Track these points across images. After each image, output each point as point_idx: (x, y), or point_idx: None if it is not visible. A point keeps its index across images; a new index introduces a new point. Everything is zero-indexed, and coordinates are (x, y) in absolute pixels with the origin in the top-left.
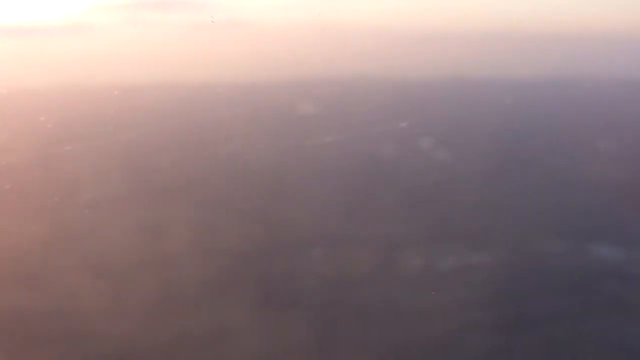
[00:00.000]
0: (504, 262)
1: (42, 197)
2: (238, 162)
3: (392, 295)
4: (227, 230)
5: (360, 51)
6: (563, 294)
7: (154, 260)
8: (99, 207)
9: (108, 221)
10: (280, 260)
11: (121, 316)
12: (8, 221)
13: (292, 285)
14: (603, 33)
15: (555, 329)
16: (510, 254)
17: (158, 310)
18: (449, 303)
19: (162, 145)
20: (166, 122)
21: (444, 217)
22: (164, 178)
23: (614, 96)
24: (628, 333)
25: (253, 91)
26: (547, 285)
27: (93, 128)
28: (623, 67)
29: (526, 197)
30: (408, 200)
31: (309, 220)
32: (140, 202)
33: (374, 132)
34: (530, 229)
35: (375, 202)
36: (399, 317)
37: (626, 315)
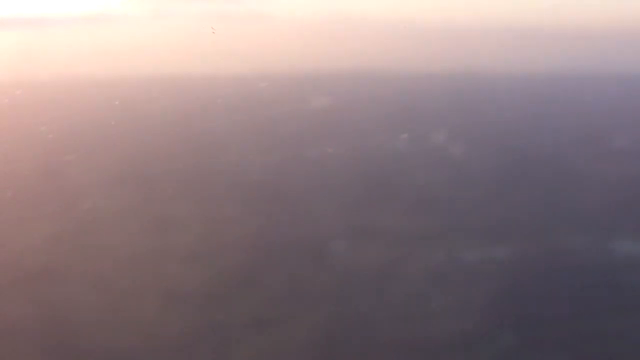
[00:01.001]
0: (526, 257)
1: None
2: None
3: (414, 289)
4: (240, 223)
5: (378, 45)
6: (588, 290)
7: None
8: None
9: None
10: (298, 255)
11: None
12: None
13: (310, 278)
14: (625, 28)
15: (584, 325)
16: (532, 249)
17: (172, 312)
18: (472, 297)
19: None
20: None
21: (461, 212)
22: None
23: (630, 92)
24: None
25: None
26: (572, 280)
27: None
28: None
29: (543, 193)
30: (423, 194)
31: (324, 213)
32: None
33: (386, 126)
34: (549, 224)
35: (391, 195)
36: (423, 311)
37: None
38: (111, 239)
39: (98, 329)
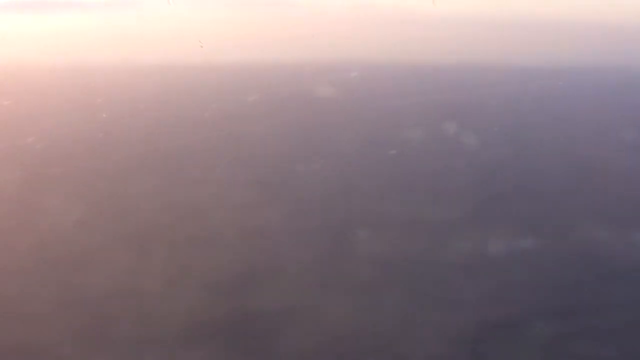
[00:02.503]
0: (552, 248)
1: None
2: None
3: (444, 278)
4: (264, 212)
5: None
6: (617, 281)
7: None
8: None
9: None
10: (326, 242)
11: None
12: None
13: (342, 267)
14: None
15: (618, 316)
16: (557, 240)
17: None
18: (503, 288)
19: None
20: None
21: (483, 201)
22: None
23: None
24: None
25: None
26: (600, 272)
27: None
28: None
29: (562, 184)
30: (443, 184)
31: (349, 201)
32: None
33: (413, 117)
34: (572, 216)
35: (411, 184)
36: (455, 301)
37: None
38: (134, 225)
39: (124, 317)
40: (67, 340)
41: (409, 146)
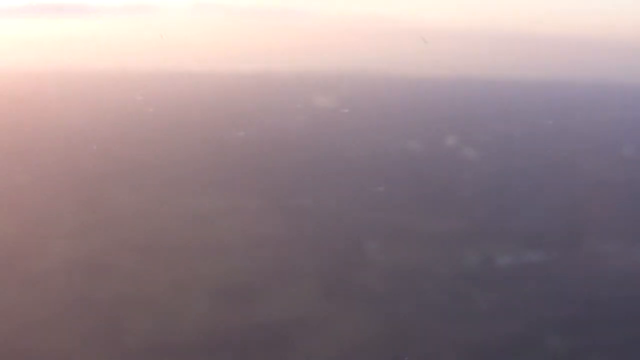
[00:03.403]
0: (560, 261)
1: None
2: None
3: (456, 290)
4: (276, 223)
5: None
6: (626, 295)
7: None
8: None
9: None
10: (338, 252)
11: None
12: None
13: (352, 276)
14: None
15: (629, 329)
16: (565, 253)
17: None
18: (513, 300)
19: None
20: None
21: (494, 215)
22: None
23: None
24: None
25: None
26: (608, 285)
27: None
28: None
29: (568, 198)
30: (452, 197)
31: (363, 213)
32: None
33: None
34: (578, 229)
35: (423, 197)
36: (467, 313)
37: None
38: (140, 233)
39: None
40: (77, 346)
41: (413, 157)
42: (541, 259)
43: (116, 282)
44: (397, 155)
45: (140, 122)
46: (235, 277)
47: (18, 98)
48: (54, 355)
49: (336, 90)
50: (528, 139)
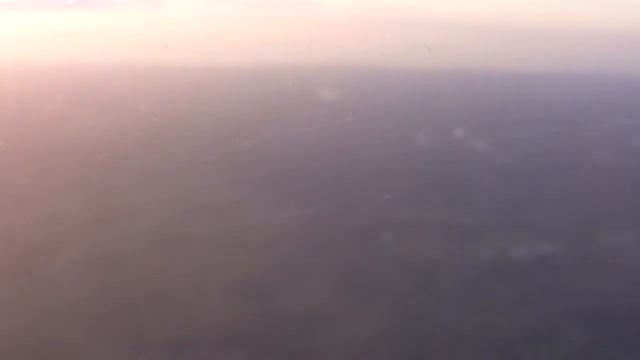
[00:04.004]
0: (573, 253)
1: None
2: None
3: (473, 282)
4: (290, 216)
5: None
6: None
7: None
8: None
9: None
10: (353, 246)
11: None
12: None
13: (369, 270)
14: None
15: None
16: (578, 246)
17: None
18: (530, 291)
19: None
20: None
21: (508, 208)
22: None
23: None
24: None
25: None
26: (624, 277)
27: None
28: None
29: (577, 190)
30: (466, 190)
31: (376, 207)
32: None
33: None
34: (590, 221)
35: (436, 189)
36: (486, 305)
37: None
38: (152, 227)
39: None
40: (95, 340)
41: (422, 150)
42: (555, 251)
43: (132, 276)
44: (407, 149)
45: (148, 115)
46: (251, 271)
47: (31, 92)
48: (71, 348)
49: (350, 84)
50: (545, 131)
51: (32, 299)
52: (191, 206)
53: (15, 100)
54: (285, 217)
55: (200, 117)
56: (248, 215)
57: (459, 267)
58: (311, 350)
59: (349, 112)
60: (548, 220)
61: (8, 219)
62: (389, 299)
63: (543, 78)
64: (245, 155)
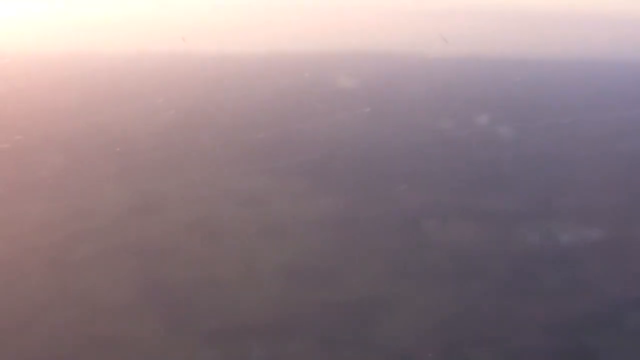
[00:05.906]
0: (619, 239)
1: None
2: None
3: (523, 268)
4: (330, 203)
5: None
6: None
7: None
8: None
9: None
10: (399, 233)
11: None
12: None
13: (420, 256)
14: None
15: None
16: (622, 232)
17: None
18: (582, 277)
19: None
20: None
21: (547, 193)
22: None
23: None
24: None
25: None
26: None
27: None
28: None
29: (614, 176)
30: (498, 177)
31: (416, 194)
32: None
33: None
34: (630, 207)
35: (478, 178)
36: (539, 291)
37: None
38: (192, 217)
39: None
40: (151, 330)
41: (450, 138)
42: (601, 237)
43: (182, 266)
44: (433, 137)
45: (171, 106)
46: (302, 258)
47: (55, 82)
48: (127, 340)
49: (368, 71)
50: (569, 118)
51: (81, 289)
52: (226, 194)
53: (35, 92)
54: (322, 204)
55: (229, 105)
56: (287, 202)
57: (509, 253)
58: (375, 337)
59: (369, 100)
60: (590, 206)
61: (47, 210)
62: (443, 285)
63: (566, 65)
64: (274, 145)
